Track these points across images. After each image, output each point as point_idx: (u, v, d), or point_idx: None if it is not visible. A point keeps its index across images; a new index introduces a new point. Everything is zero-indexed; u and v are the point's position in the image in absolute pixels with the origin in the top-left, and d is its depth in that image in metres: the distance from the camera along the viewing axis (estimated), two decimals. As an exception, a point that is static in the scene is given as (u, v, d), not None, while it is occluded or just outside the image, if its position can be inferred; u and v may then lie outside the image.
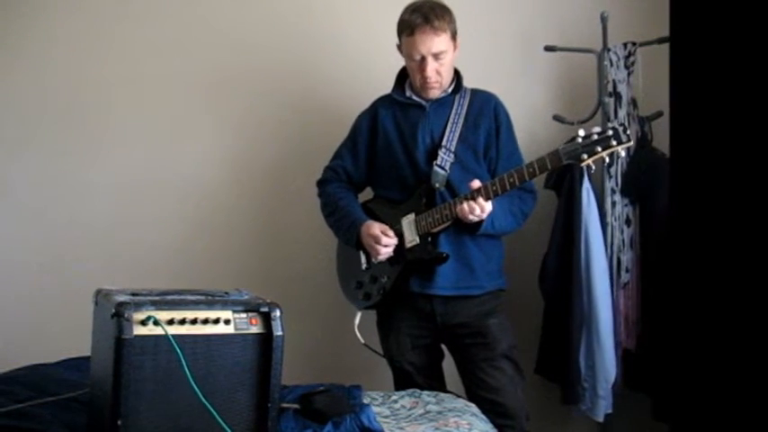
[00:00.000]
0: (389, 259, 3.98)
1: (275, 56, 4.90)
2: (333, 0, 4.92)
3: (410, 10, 3.94)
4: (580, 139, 3.57)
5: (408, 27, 3.90)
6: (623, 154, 3.68)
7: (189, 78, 4.95)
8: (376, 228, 3.96)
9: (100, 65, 4.96)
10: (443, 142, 3.96)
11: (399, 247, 3.96)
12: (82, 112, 4.95)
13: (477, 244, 3.97)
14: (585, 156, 3.55)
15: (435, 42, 3.86)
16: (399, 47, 4.03)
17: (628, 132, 3.53)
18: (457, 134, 3.97)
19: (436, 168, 3.93)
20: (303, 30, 4.89)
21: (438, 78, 3.95)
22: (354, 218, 4.06)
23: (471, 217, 3.74)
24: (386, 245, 3.93)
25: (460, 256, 3.94)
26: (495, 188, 3.70)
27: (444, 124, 4.00)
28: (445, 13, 3.91)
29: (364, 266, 4.10)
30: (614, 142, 3.52)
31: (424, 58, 3.89)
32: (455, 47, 3.97)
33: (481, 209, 3.72)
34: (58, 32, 4.99)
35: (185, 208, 4.94)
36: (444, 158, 3.93)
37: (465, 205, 3.71)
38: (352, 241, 4.07)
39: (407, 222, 3.94)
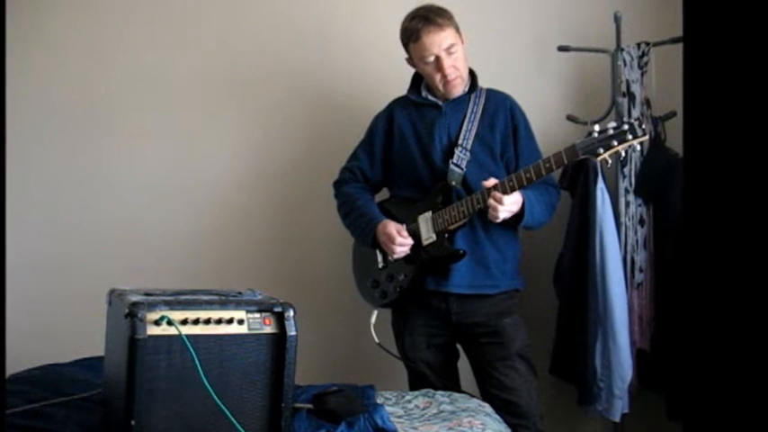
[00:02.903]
0: (406, 257, 3.98)
1: (290, 57, 4.91)
2: (349, 2, 4.93)
3: (409, 18, 3.99)
4: (596, 134, 3.57)
5: (413, 33, 3.93)
6: (639, 148, 3.67)
7: (204, 80, 4.96)
8: (391, 227, 3.97)
9: (115, 66, 4.98)
10: (460, 141, 3.96)
11: (416, 245, 3.96)
12: (96, 113, 4.97)
13: (493, 243, 3.97)
14: (602, 150, 3.55)
15: (443, 37, 3.88)
16: (409, 60, 4.05)
17: (643, 126, 3.54)
18: (473, 133, 3.98)
19: (452, 167, 3.93)
20: (319, 32, 4.90)
21: (457, 73, 3.96)
22: (370, 217, 4.07)
23: (501, 215, 3.74)
24: (401, 244, 3.94)
25: (476, 255, 3.94)
26: (511, 184, 3.70)
27: (460, 123, 4.01)
28: (443, 11, 3.94)
29: (381, 265, 4.10)
30: (630, 136, 3.53)
31: (438, 58, 3.90)
32: (462, 41, 3.97)
33: (509, 204, 3.72)
34: (75, 32, 5.00)
35: (199, 208, 4.95)
36: (461, 157, 3.93)
37: (493, 212, 3.73)
38: (368, 240, 4.08)
39: (424, 220, 3.95)
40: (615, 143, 3.55)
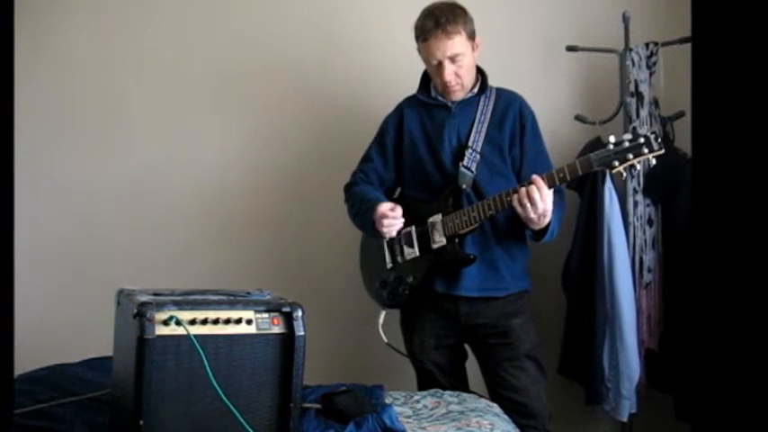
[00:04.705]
0: (415, 259, 3.97)
1: (295, 56, 4.91)
2: (352, 1, 4.93)
3: (423, 15, 3.92)
4: (611, 146, 3.53)
5: (422, 33, 3.88)
6: (654, 162, 3.64)
7: (210, 79, 4.97)
8: (383, 206, 3.91)
9: (122, 67, 4.99)
10: (469, 143, 3.94)
11: (426, 248, 3.94)
12: (103, 114, 4.98)
13: (502, 246, 3.95)
14: (617, 163, 3.51)
15: (449, 46, 3.83)
16: (419, 50, 4.02)
17: (660, 140, 3.49)
18: (483, 134, 3.95)
19: (462, 169, 3.91)
20: (323, 30, 4.91)
21: (458, 81, 3.93)
22: (372, 203, 4.00)
23: (532, 213, 3.62)
24: (392, 219, 3.90)
25: (485, 258, 3.92)
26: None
27: (470, 125, 3.98)
28: (458, 16, 3.87)
29: (389, 266, 4.09)
30: (646, 150, 3.48)
31: (440, 63, 3.87)
32: (473, 47, 3.93)
33: (542, 198, 3.61)
34: (80, 36, 5.02)
35: (208, 208, 4.96)
36: (470, 159, 3.91)
37: (525, 199, 3.61)
38: (371, 229, 4.02)
39: (434, 223, 3.93)
40: (631, 156, 3.50)
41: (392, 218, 3.91)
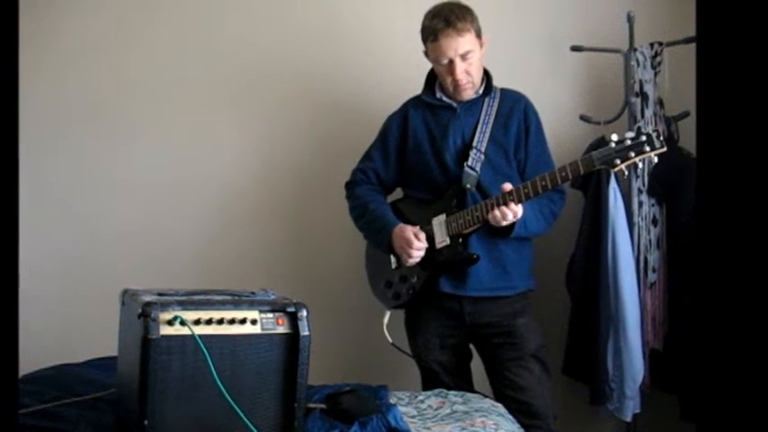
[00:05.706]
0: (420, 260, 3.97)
1: (301, 57, 4.91)
2: (357, 2, 4.92)
3: (431, 15, 3.93)
4: (613, 144, 3.53)
5: (432, 33, 3.89)
6: (656, 160, 3.63)
7: (216, 80, 4.96)
8: (409, 231, 3.93)
9: (128, 67, 4.98)
10: (474, 143, 3.94)
11: (429, 248, 3.94)
12: (108, 114, 4.97)
13: (509, 244, 3.94)
14: (619, 161, 3.52)
15: (460, 43, 3.84)
16: (426, 53, 4.02)
17: (661, 138, 3.49)
18: (487, 135, 3.96)
19: (467, 169, 3.92)
20: (328, 31, 4.90)
21: (469, 79, 3.94)
22: (385, 222, 4.04)
23: (503, 222, 3.72)
24: (418, 248, 3.92)
25: (493, 257, 3.93)
26: (527, 191, 3.67)
27: (475, 125, 3.99)
28: (466, 14, 3.89)
29: (394, 266, 4.09)
30: (648, 148, 3.48)
31: (451, 61, 3.88)
32: (481, 45, 3.94)
33: (513, 214, 3.70)
34: (85, 34, 5.00)
35: (212, 208, 4.95)
36: (475, 159, 3.92)
37: (497, 212, 3.69)
38: (383, 245, 4.05)
39: (438, 223, 3.93)
40: (632, 154, 3.50)
41: (418, 248, 3.92)
